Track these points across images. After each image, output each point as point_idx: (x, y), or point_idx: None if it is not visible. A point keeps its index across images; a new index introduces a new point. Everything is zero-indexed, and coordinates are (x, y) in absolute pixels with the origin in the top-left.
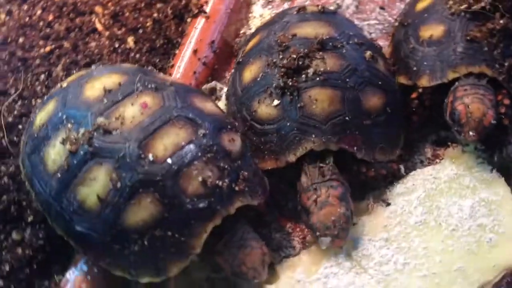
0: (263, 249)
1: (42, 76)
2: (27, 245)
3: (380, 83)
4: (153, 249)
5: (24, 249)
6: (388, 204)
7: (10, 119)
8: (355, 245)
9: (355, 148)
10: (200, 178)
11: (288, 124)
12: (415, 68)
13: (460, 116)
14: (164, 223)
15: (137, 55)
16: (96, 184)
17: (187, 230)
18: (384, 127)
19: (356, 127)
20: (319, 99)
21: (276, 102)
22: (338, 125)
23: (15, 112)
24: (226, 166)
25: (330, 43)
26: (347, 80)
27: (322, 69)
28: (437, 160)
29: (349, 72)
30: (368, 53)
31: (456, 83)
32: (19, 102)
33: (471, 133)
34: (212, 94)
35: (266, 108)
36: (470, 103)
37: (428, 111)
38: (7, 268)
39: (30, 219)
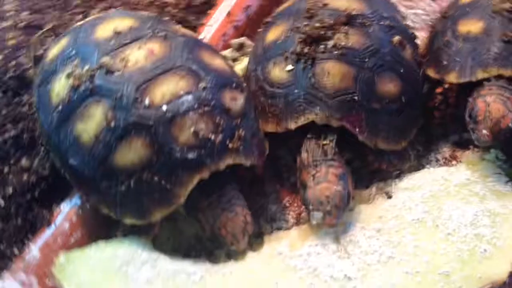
0: (247, 218)
1: (78, 17)
2: (33, 172)
3: (401, 71)
4: (138, 192)
5: (30, 176)
6: (390, 197)
7: (40, 51)
8: (345, 229)
9: (357, 129)
10: (192, 129)
11: (296, 91)
12: (445, 62)
13: (478, 113)
14: (152, 168)
15: (174, 10)
16: (92, 121)
17: (174, 178)
18: (394, 115)
19: (364, 109)
20: (332, 73)
21: (289, 67)
22: (345, 102)
23: (46, 46)
24: (222, 122)
25: (359, 20)
26: (366, 60)
27: (342, 43)
28: (454, 162)
29: (370, 52)
30: (397, 38)
31: (484, 83)
32: (52, 37)
33: (484, 131)
34: (240, 49)
35: (279, 71)
36: (491, 102)
37: (452, 109)
38: (10, 190)
39: (40, 149)
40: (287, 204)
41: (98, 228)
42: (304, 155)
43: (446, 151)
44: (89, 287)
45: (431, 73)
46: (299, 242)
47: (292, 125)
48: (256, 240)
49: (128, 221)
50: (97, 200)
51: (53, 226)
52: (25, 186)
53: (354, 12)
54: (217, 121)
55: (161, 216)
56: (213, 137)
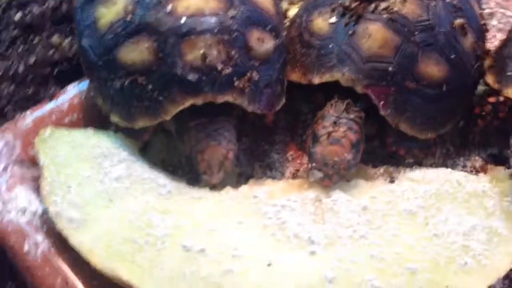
0: (229, 154)
1: None
2: (60, 50)
3: (452, 56)
4: (130, 93)
5: (55, 53)
6: (392, 181)
7: None
8: (332, 196)
9: (382, 102)
10: (202, 51)
11: (331, 46)
12: (509, 73)
13: None
14: (150, 75)
15: None
16: (113, 8)
17: (167, 92)
18: (429, 102)
19: (395, 84)
20: (373, 36)
21: (333, 19)
22: (377, 71)
23: None
24: (236, 57)
25: None
26: (416, 33)
27: (396, 8)
28: (481, 174)
29: (423, 26)
30: (459, 21)
31: None
32: None
33: None
34: None
35: (322, 22)
36: None
37: (499, 123)
38: (32, 60)
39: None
40: (290, 158)
41: (94, 117)
42: (327, 108)
43: (478, 160)
44: (62, 164)
45: (490, 80)
46: (280, 193)
47: (316, 80)
48: (238, 180)
49: (114, 118)
50: (95, 88)
51: (53, 102)
52: (48, 60)
53: None
54: (231, 54)
55: (144, 125)
56: (220, 67)
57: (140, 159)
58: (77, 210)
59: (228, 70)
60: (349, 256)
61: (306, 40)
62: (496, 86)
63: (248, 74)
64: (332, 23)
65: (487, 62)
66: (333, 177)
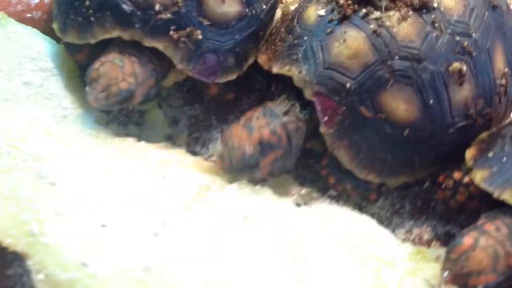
0: (122, 85)
1: None
2: None
3: (429, 101)
4: (71, 5)
5: None
6: (298, 206)
7: None
8: (223, 190)
9: (326, 117)
10: None
11: (305, 38)
12: (490, 155)
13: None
14: None
15: None
16: None
17: (100, 15)
18: (380, 139)
19: (349, 104)
20: (347, 43)
21: (322, 12)
22: (335, 82)
23: None
24: (182, 6)
25: (432, 17)
26: (396, 58)
27: (387, 23)
28: (416, 244)
29: (409, 55)
30: (458, 65)
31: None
32: None
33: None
34: None
35: (312, 12)
36: (480, 246)
37: (456, 205)
38: None
39: None
40: None
41: None
42: (274, 101)
43: (428, 232)
44: None
45: (468, 154)
46: (175, 165)
47: (275, 69)
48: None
49: (53, 25)
50: None
51: None
52: None
53: (435, 4)
54: (177, 1)
55: (71, 40)
56: (158, 9)
57: (63, 78)
58: None
59: (165, 15)
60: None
61: (292, 25)
62: (469, 163)
63: (188, 29)
64: (320, 16)
65: (481, 136)
66: (224, 160)
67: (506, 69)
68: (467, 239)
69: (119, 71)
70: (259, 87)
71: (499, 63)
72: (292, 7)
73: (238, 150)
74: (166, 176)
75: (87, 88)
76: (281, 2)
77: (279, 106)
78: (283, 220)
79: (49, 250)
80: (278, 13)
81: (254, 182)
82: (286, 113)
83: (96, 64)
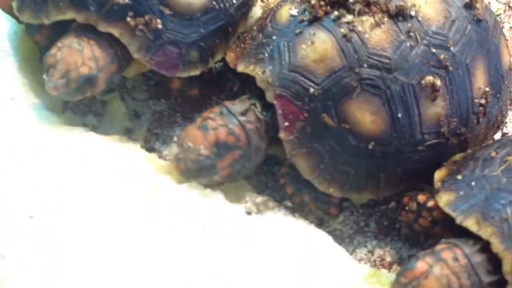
0: (82, 69)
1: None
2: None
3: (398, 115)
4: None
5: None
6: (248, 213)
7: None
8: (176, 188)
9: (286, 123)
10: None
11: (274, 37)
12: (459, 177)
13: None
14: None
15: None
16: None
17: None
18: (343, 150)
19: (311, 110)
20: (315, 46)
21: (294, 12)
22: (298, 85)
23: None
24: None
25: (409, 29)
26: (365, 66)
27: (359, 28)
28: (375, 266)
29: (379, 63)
30: (431, 79)
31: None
32: None
33: None
34: None
35: (285, 11)
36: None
37: (419, 228)
38: None
39: None
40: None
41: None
42: (234, 100)
43: (390, 254)
44: None
45: (436, 175)
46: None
47: (240, 67)
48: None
49: (13, 3)
50: None
51: None
52: None
53: (413, 13)
54: None
55: (26, 20)
56: None
57: (19, 60)
58: None
59: (123, 0)
60: None
61: (264, 24)
62: (436, 185)
63: (147, 17)
64: (292, 15)
65: (454, 158)
66: (180, 162)
67: (488, 88)
68: (421, 264)
69: (78, 56)
70: (230, 86)
71: (480, 81)
72: None
73: (193, 152)
74: (118, 170)
75: (44, 76)
76: (262, 1)
77: (237, 105)
78: (228, 226)
79: None
80: (258, 12)
81: (209, 185)
82: (244, 113)
83: (53, 50)
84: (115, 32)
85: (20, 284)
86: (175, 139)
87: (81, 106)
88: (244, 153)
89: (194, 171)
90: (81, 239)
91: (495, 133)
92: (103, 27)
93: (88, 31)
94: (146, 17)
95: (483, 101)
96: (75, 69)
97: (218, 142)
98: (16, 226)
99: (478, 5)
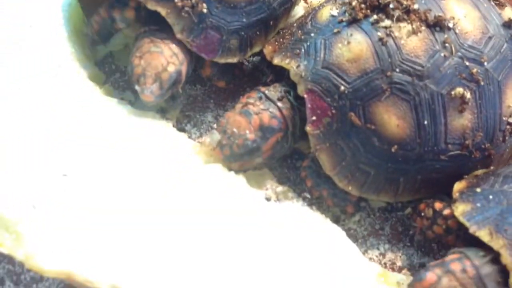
0: (170, 68)
1: None
2: None
3: (424, 122)
4: None
5: None
6: (268, 199)
7: None
8: (203, 171)
9: (313, 117)
10: None
11: (312, 34)
12: (478, 190)
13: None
14: None
15: None
16: None
17: None
18: (366, 151)
19: (339, 108)
20: (350, 46)
21: (335, 12)
22: (329, 82)
23: None
24: None
25: (448, 41)
26: (397, 70)
27: (396, 34)
28: (383, 264)
29: (411, 70)
30: (461, 90)
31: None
32: None
33: None
34: None
35: (326, 11)
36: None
37: (432, 235)
38: None
39: None
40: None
41: None
42: (265, 87)
43: (401, 259)
44: None
45: (456, 186)
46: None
47: (276, 60)
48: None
49: None
50: None
51: None
52: None
53: (451, 25)
54: None
55: None
56: None
57: (68, 28)
58: None
59: None
60: None
61: (304, 22)
62: (455, 195)
63: (194, 0)
64: (332, 15)
65: (476, 172)
66: (225, 148)
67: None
68: (430, 276)
69: (161, 57)
70: (264, 80)
71: (510, 100)
72: None
73: (238, 137)
74: (149, 144)
75: (136, 87)
76: (306, 2)
77: (272, 92)
78: (247, 208)
79: None
80: (300, 12)
81: (246, 169)
82: (280, 99)
83: (135, 61)
84: (162, 11)
85: (49, 232)
86: (215, 126)
87: (121, 82)
88: (284, 134)
89: (239, 155)
90: (108, 200)
91: None
92: (151, 5)
93: (157, 32)
94: (193, 0)
95: (511, 120)
96: (164, 70)
97: (263, 126)
98: (49, 181)
99: None
